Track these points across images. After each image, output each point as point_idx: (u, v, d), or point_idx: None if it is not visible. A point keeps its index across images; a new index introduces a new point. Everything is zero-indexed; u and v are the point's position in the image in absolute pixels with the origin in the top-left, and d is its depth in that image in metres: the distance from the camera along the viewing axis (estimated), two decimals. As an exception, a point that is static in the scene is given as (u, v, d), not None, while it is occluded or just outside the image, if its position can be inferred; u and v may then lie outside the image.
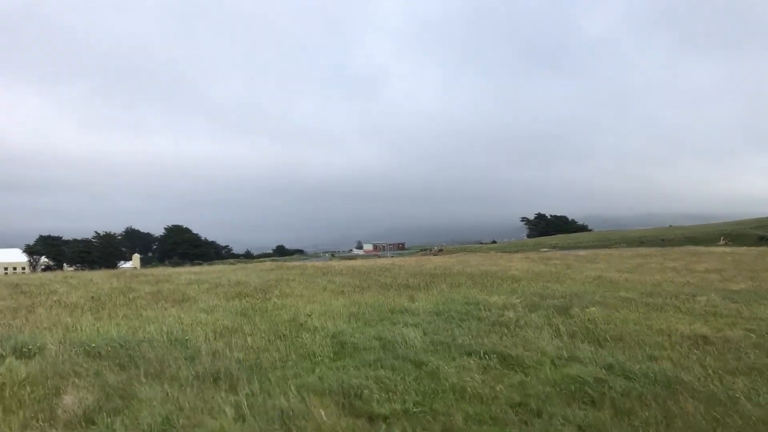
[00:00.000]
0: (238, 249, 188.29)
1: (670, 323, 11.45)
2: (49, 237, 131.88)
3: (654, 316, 12.52)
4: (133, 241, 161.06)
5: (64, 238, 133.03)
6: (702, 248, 53.88)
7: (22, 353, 9.21)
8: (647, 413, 6.24)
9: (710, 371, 7.76)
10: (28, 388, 7.60)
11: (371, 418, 6.30)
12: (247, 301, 15.68)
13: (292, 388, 7.10)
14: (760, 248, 52.06)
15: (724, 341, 9.71)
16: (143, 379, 7.64)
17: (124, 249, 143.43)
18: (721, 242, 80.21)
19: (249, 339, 10.14)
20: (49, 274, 32.77)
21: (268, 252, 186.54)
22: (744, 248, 53.30)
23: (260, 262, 66.46)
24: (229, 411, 6.30)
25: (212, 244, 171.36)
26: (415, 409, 6.51)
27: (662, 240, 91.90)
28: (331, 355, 9.20)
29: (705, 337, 10.02)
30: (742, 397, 6.61)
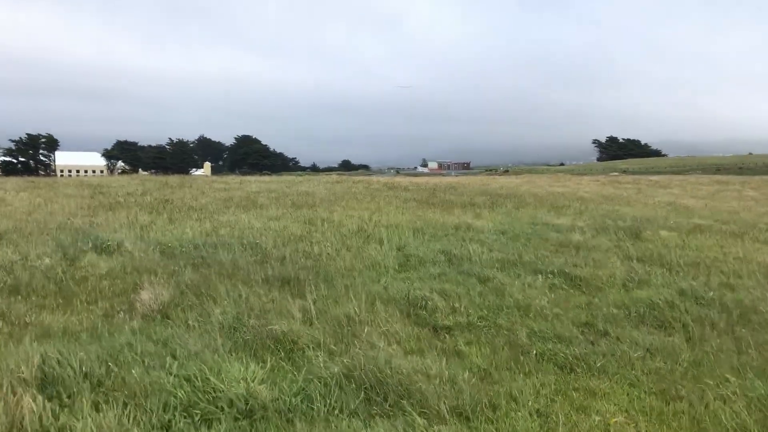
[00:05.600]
0: (304, 162, 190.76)
1: (747, 252, 11.00)
2: (125, 142, 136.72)
3: (730, 243, 12.04)
4: (205, 150, 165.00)
5: (139, 144, 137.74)
6: (786, 178, 51.02)
7: (102, 249, 9.70)
8: (719, 340, 6.07)
9: (789, 303, 7.43)
10: (107, 281, 8.05)
11: (435, 329, 6.39)
12: (314, 211, 15.93)
13: (359, 295, 7.24)
14: None
15: (807, 273, 9.26)
16: (215, 280, 7.94)
17: (196, 157, 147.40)
18: (808, 172, 75.60)
19: (316, 247, 10.35)
20: (126, 177, 34.20)
21: (333, 166, 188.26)
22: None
23: (326, 174, 67.21)
24: (297, 314, 6.50)
25: (280, 156, 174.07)
26: (479, 323, 6.55)
27: (740, 168, 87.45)
28: (396, 266, 9.31)
29: (784, 268, 9.58)
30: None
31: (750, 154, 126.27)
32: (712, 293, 7.71)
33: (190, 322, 6.33)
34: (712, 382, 4.97)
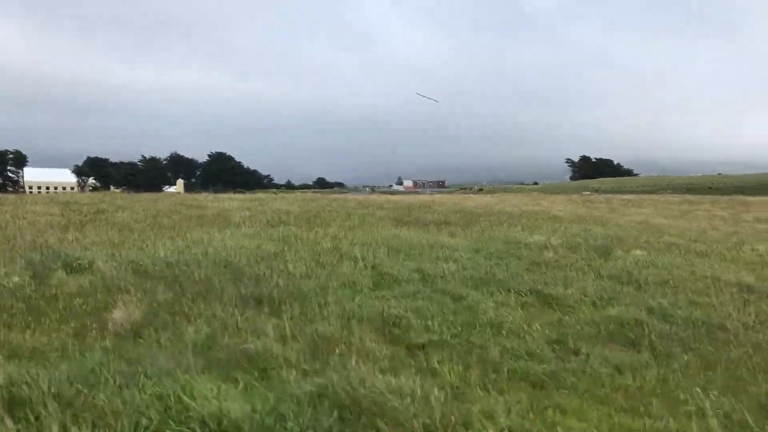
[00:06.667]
0: (279, 179, 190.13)
1: (715, 270, 11.24)
2: (97, 159, 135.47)
3: (698, 262, 12.30)
4: (178, 167, 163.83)
5: (111, 161, 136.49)
6: (751, 198, 52.18)
7: (73, 267, 9.57)
8: (687, 357, 6.20)
9: (753, 320, 7.62)
10: (78, 300, 7.95)
11: (409, 347, 6.42)
12: (288, 229, 15.91)
13: (332, 314, 7.26)
14: (813, 200, 50.07)
15: (771, 291, 9.50)
16: (189, 298, 7.89)
17: (168, 174, 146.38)
18: (773, 192, 77.45)
19: (290, 265, 10.33)
20: (97, 194, 33.76)
21: (308, 183, 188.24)
22: (797, 199, 51.37)
23: (301, 192, 67.10)
24: (271, 333, 6.49)
25: (254, 173, 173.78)
26: (452, 341, 6.60)
27: (710, 188, 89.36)
28: (371, 285, 9.33)
29: (750, 287, 9.82)
30: (785, 348, 6.49)
31: (719, 174, 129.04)
32: (680, 311, 7.87)
33: (162, 341, 6.27)
34: (680, 399, 5.07)
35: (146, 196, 28.75)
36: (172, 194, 40.70)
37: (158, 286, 8.57)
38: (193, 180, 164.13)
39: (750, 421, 4.63)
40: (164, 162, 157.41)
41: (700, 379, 5.57)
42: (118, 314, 7.02)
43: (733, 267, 11.92)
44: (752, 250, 14.62)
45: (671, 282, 9.95)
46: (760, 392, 5.26)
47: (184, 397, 4.50)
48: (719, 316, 7.74)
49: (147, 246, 12.21)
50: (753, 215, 28.63)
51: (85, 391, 4.68)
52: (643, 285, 9.67)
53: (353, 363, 5.51)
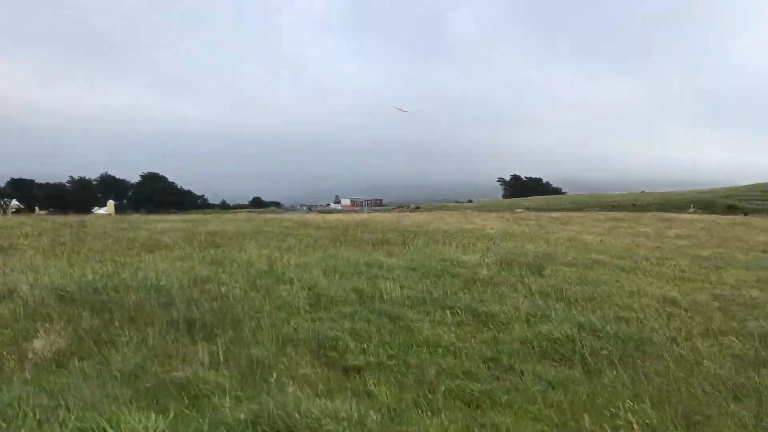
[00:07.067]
0: (214, 199, 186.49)
1: (640, 286, 11.67)
2: (20, 180, 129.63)
3: (624, 278, 12.75)
4: (109, 188, 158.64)
5: (36, 182, 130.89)
6: (673, 214, 54.63)
7: (-8, 295, 9.07)
8: (615, 372, 6.39)
9: (677, 333, 7.95)
10: (-3, 330, 7.52)
11: (346, 370, 6.38)
12: (222, 251, 15.59)
13: (267, 338, 7.14)
14: (728, 216, 52.94)
15: (692, 304, 9.94)
16: (117, 325, 7.60)
17: (99, 195, 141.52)
18: (691, 210, 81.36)
19: (224, 288, 10.11)
20: (20, 217, 32.20)
21: (243, 203, 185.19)
22: (714, 216, 54.13)
23: (236, 212, 66.03)
24: (203, 359, 6.32)
25: (188, 193, 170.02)
26: (389, 362, 6.60)
27: (634, 205, 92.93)
28: (307, 306, 9.22)
29: (673, 300, 10.25)
30: (705, 359, 6.79)
31: (642, 192, 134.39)
32: (608, 326, 8.13)
33: (87, 370, 6.02)
34: (609, 413, 5.22)
35: (74, 219, 27.63)
36: (102, 216, 39.30)
37: (84, 313, 8.23)
38: (125, 201, 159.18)
39: (674, 432, 4.80)
40: (94, 183, 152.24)
41: (629, 393, 5.75)
42: (39, 343, 6.70)
43: (657, 282, 12.40)
44: (675, 265, 15.27)
45: (599, 298, 10.27)
46: (683, 404, 5.47)
47: (110, 430, 4.32)
48: (646, 330, 8.03)
49: (74, 270, 11.72)
50: (674, 231, 29.94)
51: (3, 425, 4.43)
52: (573, 301, 9.94)
53: (289, 388, 5.43)
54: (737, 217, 48.36)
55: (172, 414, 4.81)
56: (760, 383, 6.00)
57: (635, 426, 4.88)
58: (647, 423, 5.01)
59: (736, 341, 7.56)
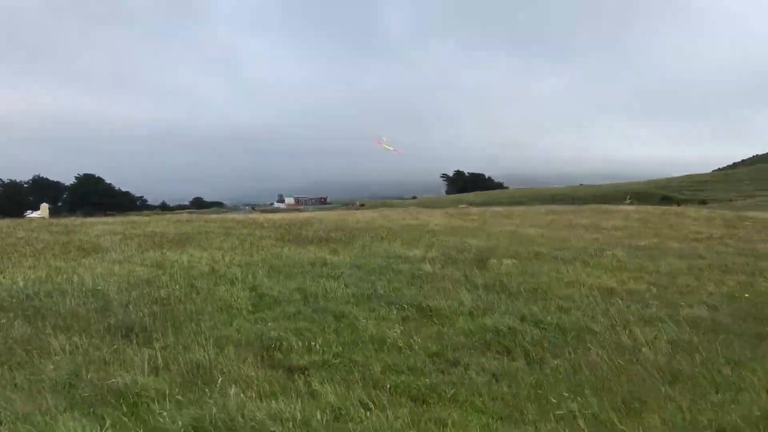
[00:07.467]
0: (153, 200, 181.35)
1: (579, 276, 11.95)
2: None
3: (564, 269, 13.03)
4: (42, 190, 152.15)
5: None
6: (610, 206, 56.12)
7: None
8: (557, 362, 6.52)
9: (616, 321, 8.17)
10: None
11: (290, 370, 6.30)
12: (162, 253, 15.19)
13: (209, 340, 6.98)
14: (663, 207, 54.89)
15: (629, 293, 10.24)
16: (50, 332, 7.30)
17: (31, 198, 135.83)
18: (627, 201, 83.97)
19: (163, 291, 9.85)
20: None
21: (185, 204, 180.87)
22: (649, 207, 55.96)
23: (177, 213, 64.49)
24: (142, 364, 6.13)
25: (126, 195, 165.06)
26: (334, 361, 6.55)
27: (573, 198, 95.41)
28: (250, 307, 9.07)
29: (611, 290, 10.53)
30: (643, 347, 7.01)
31: (580, 185, 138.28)
32: (550, 317, 8.31)
33: (18, 381, 5.76)
34: (552, 403, 5.32)
35: (4, 223, 26.42)
36: (36, 219, 37.66)
37: (15, 320, 7.88)
38: (60, 204, 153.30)
39: (615, 419, 4.93)
40: (26, 185, 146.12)
41: (571, 383, 5.88)
42: (-35, 355, 6.36)
43: (596, 272, 12.72)
44: (612, 255, 15.71)
45: (541, 289, 10.47)
46: (623, 390, 5.62)
47: (42, 443, 4.14)
48: (586, 320, 8.23)
49: (3, 277, 11.21)
50: (612, 223, 30.78)
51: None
52: (515, 293, 10.10)
53: (231, 391, 5.32)
54: (671, 207, 50.01)
55: (108, 423, 4.65)
56: (694, 367, 6.23)
57: (577, 414, 4.98)
58: (589, 411, 5.12)
59: (672, 327, 7.82)
